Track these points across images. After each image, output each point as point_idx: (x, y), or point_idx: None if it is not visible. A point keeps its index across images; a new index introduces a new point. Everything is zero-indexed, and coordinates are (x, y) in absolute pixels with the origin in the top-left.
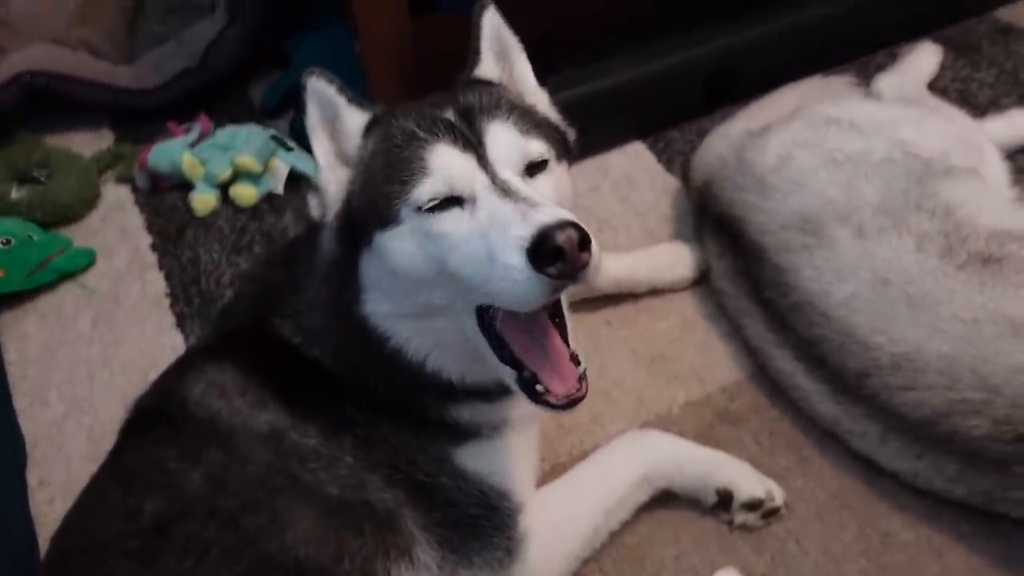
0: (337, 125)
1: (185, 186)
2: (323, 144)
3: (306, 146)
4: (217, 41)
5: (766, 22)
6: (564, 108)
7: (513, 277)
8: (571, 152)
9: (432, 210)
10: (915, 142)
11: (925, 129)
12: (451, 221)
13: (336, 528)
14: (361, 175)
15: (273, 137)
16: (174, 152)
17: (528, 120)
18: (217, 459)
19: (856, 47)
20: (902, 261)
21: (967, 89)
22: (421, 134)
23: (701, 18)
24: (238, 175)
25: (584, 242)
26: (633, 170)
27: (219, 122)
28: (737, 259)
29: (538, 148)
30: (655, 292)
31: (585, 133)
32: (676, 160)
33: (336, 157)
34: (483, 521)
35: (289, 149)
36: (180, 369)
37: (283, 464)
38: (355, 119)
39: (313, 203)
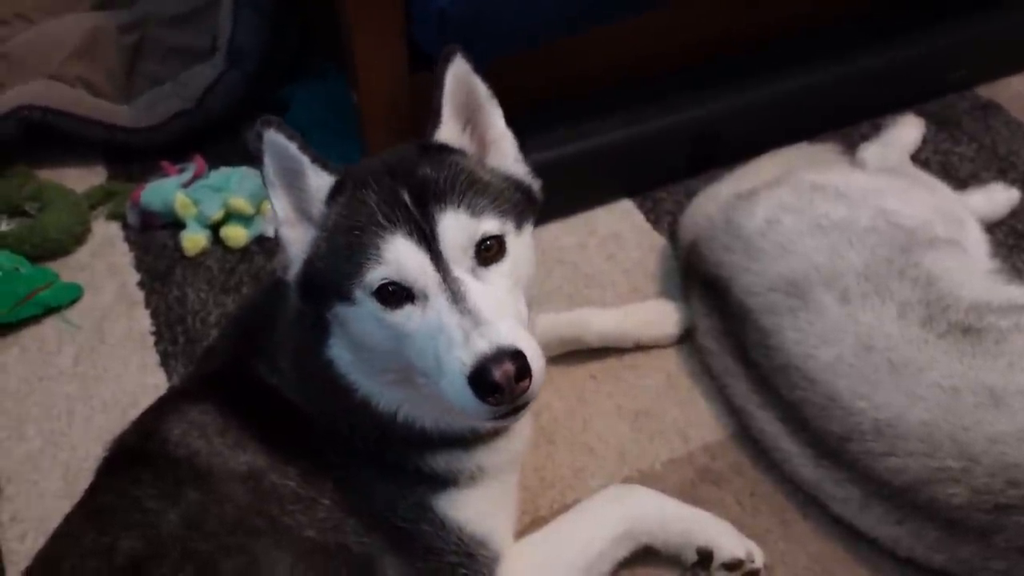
0: (298, 182)
1: (176, 225)
2: (281, 198)
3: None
4: (215, 85)
5: (750, 90)
6: (554, 166)
7: (459, 394)
8: (536, 203)
9: (385, 300)
10: (899, 212)
11: (909, 199)
12: (403, 316)
13: (313, 573)
14: (325, 243)
15: None
16: (167, 191)
17: (483, 195)
18: (195, 499)
19: (840, 117)
20: (885, 328)
21: (948, 162)
22: (379, 218)
23: (688, 84)
24: (230, 216)
25: (522, 371)
26: (621, 228)
27: (213, 164)
28: (723, 319)
29: (491, 226)
30: (640, 348)
31: (575, 190)
32: (664, 219)
33: (296, 212)
34: (461, 570)
35: None
36: (160, 409)
37: (261, 505)
38: (319, 181)
39: (280, 259)
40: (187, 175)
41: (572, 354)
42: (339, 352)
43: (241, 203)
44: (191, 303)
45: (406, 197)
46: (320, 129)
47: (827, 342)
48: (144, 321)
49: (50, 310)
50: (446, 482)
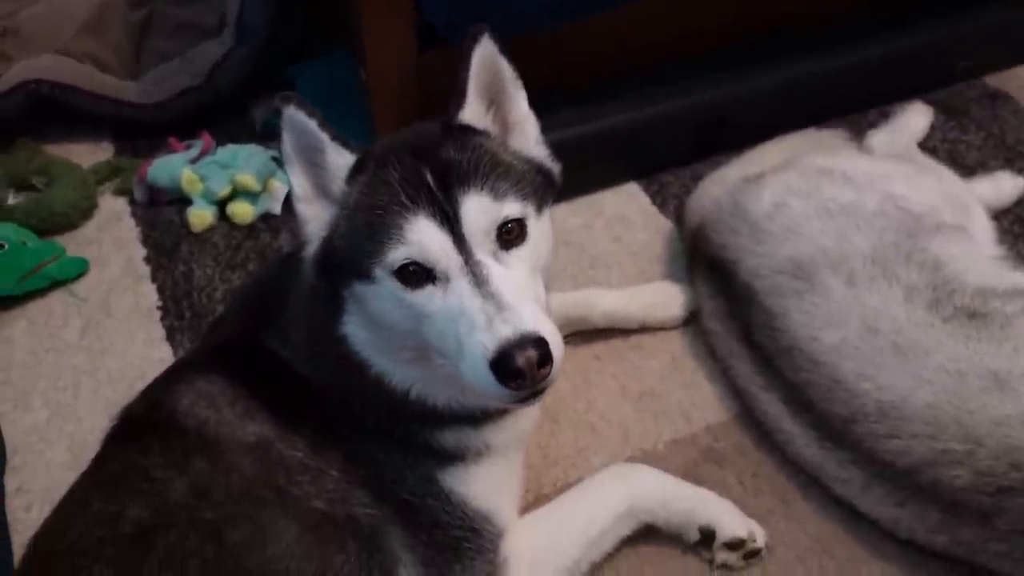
0: (318, 159)
1: (183, 201)
2: (300, 175)
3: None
4: (223, 62)
5: (757, 77)
6: (560, 147)
7: (479, 377)
8: (556, 186)
9: (405, 280)
10: (907, 197)
11: (917, 185)
12: (424, 296)
13: (320, 543)
14: (345, 221)
15: (274, 158)
16: (174, 167)
17: (506, 178)
18: (203, 469)
19: (847, 105)
20: (891, 311)
21: (956, 150)
22: (402, 198)
23: (695, 70)
24: (236, 193)
25: (544, 358)
26: (627, 210)
27: (220, 141)
28: (728, 301)
29: (513, 210)
30: (646, 329)
31: (581, 172)
32: (670, 202)
33: (315, 189)
34: (466, 544)
35: None
36: (169, 379)
37: (269, 476)
38: (340, 160)
39: (286, 236)
40: (194, 151)
41: (577, 334)
42: (354, 329)
43: (248, 180)
44: (197, 278)
45: (429, 178)
46: (325, 108)
47: (832, 324)
48: (150, 295)
49: (57, 283)
50: (454, 457)
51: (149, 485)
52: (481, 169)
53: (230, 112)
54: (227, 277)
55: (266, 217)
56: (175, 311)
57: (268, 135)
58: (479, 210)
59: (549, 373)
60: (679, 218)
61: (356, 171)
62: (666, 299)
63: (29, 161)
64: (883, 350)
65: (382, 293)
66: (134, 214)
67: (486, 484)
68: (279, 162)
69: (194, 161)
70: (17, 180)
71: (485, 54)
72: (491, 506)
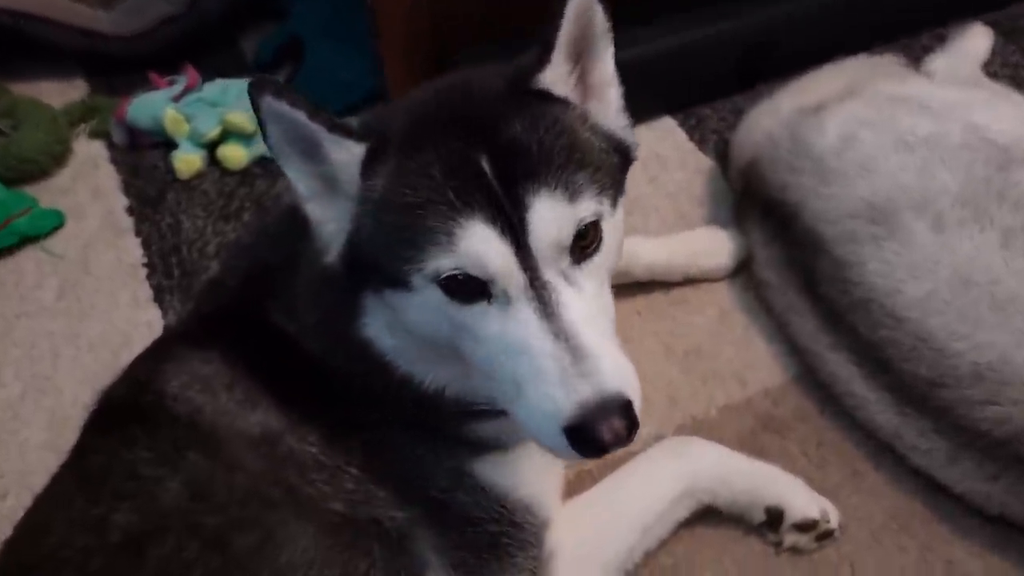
0: (316, 152)
1: (167, 144)
2: (299, 172)
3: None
4: None
5: None
6: None
7: (542, 433)
8: (629, 167)
9: (453, 292)
10: (989, 126)
11: (998, 113)
12: (475, 315)
13: (341, 550)
14: (370, 220)
15: None
16: (156, 106)
17: (584, 167)
18: (199, 465)
19: (900, 27)
20: (986, 258)
21: (1018, 75)
22: (450, 195)
23: None
24: (227, 134)
25: (631, 426)
26: (663, 148)
27: (207, 76)
28: (787, 248)
29: (589, 210)
30: (689, 282)
31: None
32: (709, 138)
33: (321, 182)
34: (504, 539)
35: None
36: (156, 355)
37: (278, 473)
38: (345, 155)
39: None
40: (178, 88)
41: (614, 287)
42: (377, 333)
43: (239, 119)
44: (186, 231)
45: (486, 166)
46: (325, 38)
47: (917, 276)
48: (134, 251)
49: (28, 239)
50: (490, 447)
51: (137, 484)
52: (557, 157)
53: (218, 43)
54: (220, 229)
55: (262, 161)
56: (162, 268)
57: (263, 68)
58: (552, 218)
59: (631, 440)
60: (723, 156)
61: (374, 160)
62: (712, 247)
63: None
64: (979, 304)
65: (419, 303)
66: (113, 159)
67: (525, 471)
68: None
69: (178, 99)
70: None
71: (582, 6)
72: (532, 495)
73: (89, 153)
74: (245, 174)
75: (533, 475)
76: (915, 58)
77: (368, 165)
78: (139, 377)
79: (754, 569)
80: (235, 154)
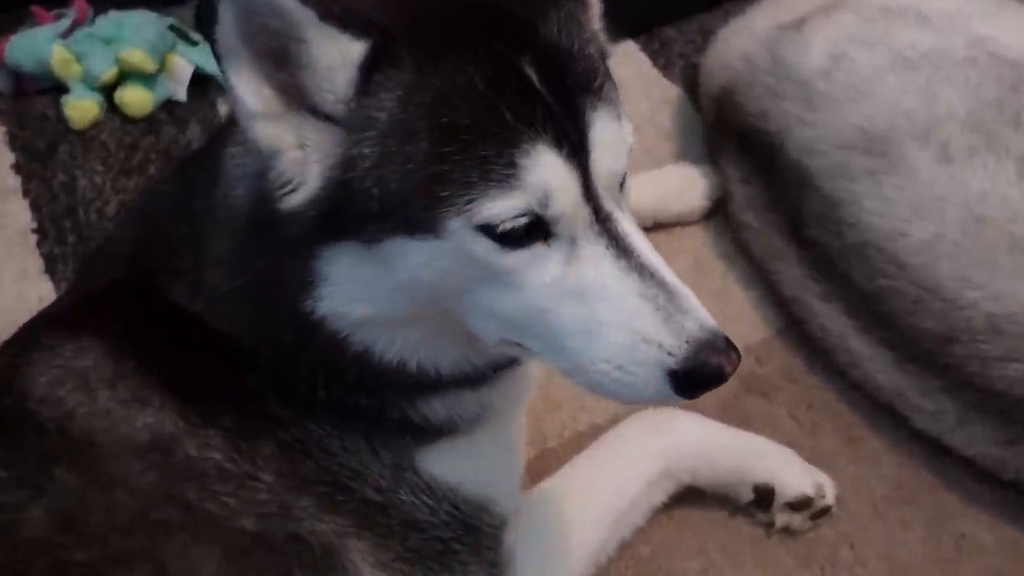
0: (290, 52)
1: (57, 89)
2: (254, 74)
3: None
4: None
5: None
6: None
7: (633, 384)
8: None
9: (502, 238)
10: (996, 39)
11: (1003, 23)
12: (527, 260)
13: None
14: (375, 146)
15: (172, 28)
16: (41, 45)
17: (611, 79)
18: (71, 484)
19: None
20: (1002, 192)
21: None
22: (506, 116)
23: None
24: (125, 76)
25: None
26: (624, 75)
27: (99, 8)
28: (769, 186)
29: (630, 128)
30: (660, 226)
31: None
32: (676, 64)
33: (286, 96)
34: (456, 545)
35: (193, 43)
36: (19, 346)
37: (172, 489)
38: (336, 53)
39: (224, 108)
40: (65, 23)
41: None
42: (335, 308)
43: (139, 57)
44: (82, 189)
45: (535, 78)
46: None
47: (923, 214)
48: (22, 215)
49: None
50: (439, 431)
51: None
52: (600, 65)
53: None
54: (121, 186)
55: (168, 105)
56: (55, 234)
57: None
58: (611, 140)
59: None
60: (692, 82)
61: (375, 67)
62: (683, 186)
63: None
64: (995, 246)
65: (451, 251)
66: None
67: (480, 460)
68: (180, 33)
69: (66, 35)
70: None
71: None
72: (487, 490)
73: None
74: (150, 121)
75: (488, 466)
76: None
77: (367, 74)
78: None
79: (742, 555)
80: (136, 98)
